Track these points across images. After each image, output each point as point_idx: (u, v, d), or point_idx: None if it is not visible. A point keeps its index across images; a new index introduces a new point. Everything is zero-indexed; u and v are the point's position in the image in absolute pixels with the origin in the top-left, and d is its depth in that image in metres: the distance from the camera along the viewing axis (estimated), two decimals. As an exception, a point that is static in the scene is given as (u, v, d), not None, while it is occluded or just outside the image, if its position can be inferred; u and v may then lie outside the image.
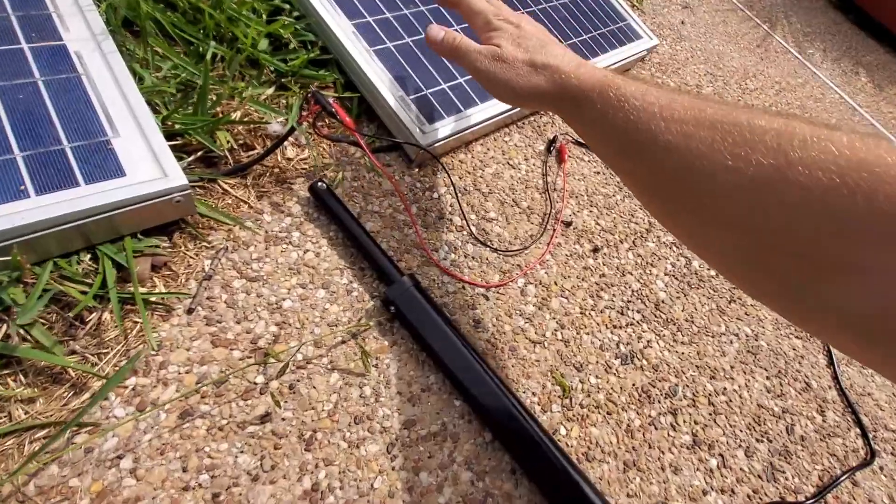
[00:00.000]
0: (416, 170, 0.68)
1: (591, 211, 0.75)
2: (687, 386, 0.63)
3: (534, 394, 0.55)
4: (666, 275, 0.73)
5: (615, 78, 0.39)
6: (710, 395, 0.63)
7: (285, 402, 0.46)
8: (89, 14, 0.53)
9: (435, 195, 0.66)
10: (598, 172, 0.82)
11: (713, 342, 0.68)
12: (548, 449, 0.48)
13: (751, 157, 0.27)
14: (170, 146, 0.52)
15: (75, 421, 0.38)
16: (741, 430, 0.62)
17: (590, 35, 0.95)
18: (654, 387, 0.61)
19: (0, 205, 0.39)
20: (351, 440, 0.46)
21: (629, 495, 0.52)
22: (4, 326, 0.39)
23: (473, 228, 0.65)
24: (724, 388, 0.64)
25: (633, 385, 0.60)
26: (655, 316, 0.68)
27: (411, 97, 0.67)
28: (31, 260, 0.42)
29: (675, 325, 0.68)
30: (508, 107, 0.74)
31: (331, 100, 0.54)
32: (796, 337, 0.75)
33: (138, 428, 0.41)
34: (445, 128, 0.66)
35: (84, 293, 0.42)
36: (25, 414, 0.39)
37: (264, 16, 0.65)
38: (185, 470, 0.40)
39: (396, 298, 0.52)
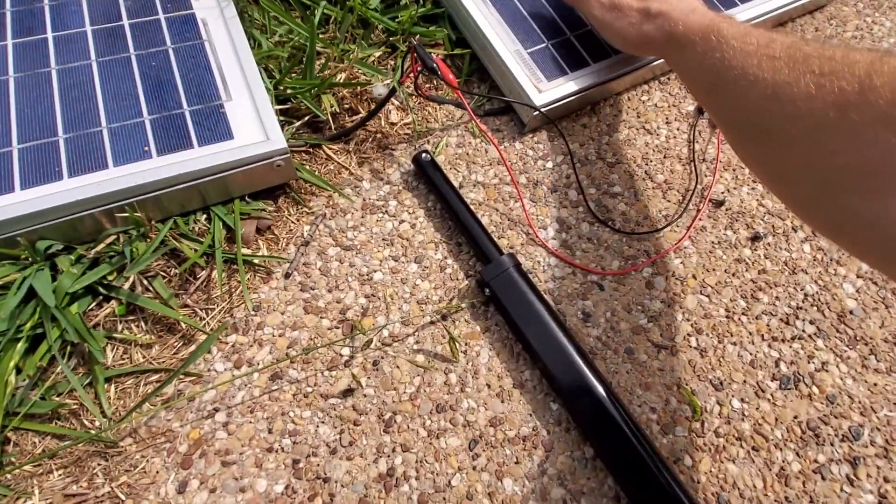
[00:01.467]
0: (530, 135, 0.60)
1: (752, 188, 0.59)
2: (878, 429, 0.46)
3: (652, 409, 0.45)
4: (859, 277, 0.55)
5: (722, 21, 0.40)
6: (916, 446, 0.46)
7: (368, 378, 0.44)
8: (217, -19, 0.55)
9: (549, 164, 0.58)
10: (767, 139, 0.64)
11: (929, 375, 0.50)
12: (664, 480, 0.39)
13: (835, 85, 0.28)
14: (281, 110, 0.53)
15: (181, 370, 0.41)
16: (966, 505, 0.44)
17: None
18: (826, 423, 0.46)
19: (127, 164, 0.42)
20: (431, 429, 0.42)
21: (776, 559, 0.40)
22: (131, 277, 0.43)
23: (592, 204, 0.55)
24: (942, 441, 0.46)
25: (796, 417, 0.46)
26: (838, 330, 0.51)
27: (529, 50, 0.58)
28: (156, 217, 0.46)
29: (866, 345, 0.51)
30: (649, 59, 0.61)
31: (435, 56, 0.49)
32: None
33: (234, 384, 0.42)
34: (567, 86, 0.57)
35: (194, 251, 0.45)
36: (143, 358, 0.42)
37: (378, -28, 0.62)
38: (270, 431, 0.41)
39: (492, 280, 0.46)
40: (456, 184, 0.55)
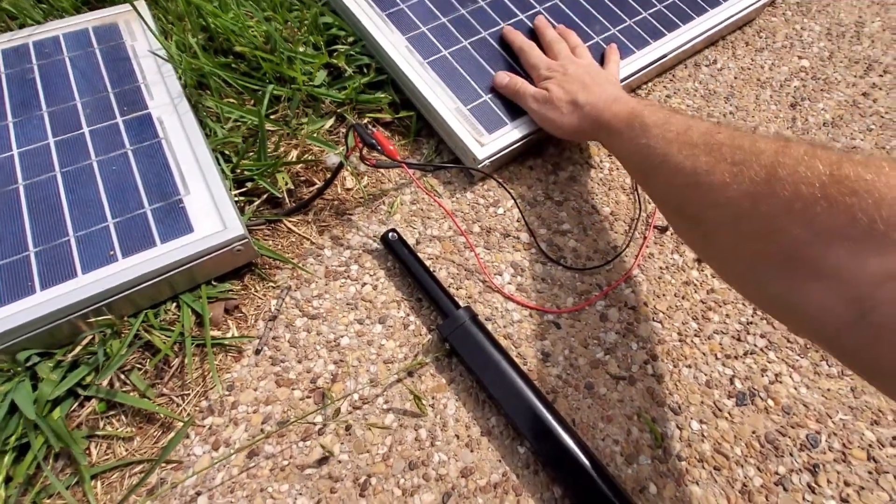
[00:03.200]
0: (480, 183, 0.63)
1: (695, 209, 0.62)
2: (834, 434, 0.48)
3: (616, 441, 0.47)
4: (804, 284, 0.57)
5: (643, 109, 0.45)
6: (870, 446, 0.48)
7: (341, 443, 0.46)
8: (169, 80, 0.59)
9: (500, 210, 0.61)
10: (707, 159, 0.67)
11: (879, 374, 0.52)
12: (628, 514, 0.41)
13: (745, 175, 0.30)
14: (241, 192, 0.56)
15: (159, 461, 0.43)
16: (924, 500, 0.46)
17: (693, -11, 0.78)
18: (784, 435, 0.48)
19: (95, 270, 0.45)
20: (405, 487, 0.44)
21: (744, 577, 0.42)
22: (109, 375, 0.45)
23: (543, 245, 0.58)
24: (895, 438, 0.48)
25: (754, 432, 0.48)
26: (788, 341, 0.54)
27: (470, 106, 0.62)
28: (128, 312, 0.48)
29: (817, 352, 0.53)
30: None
31: (374, 131, 0.52)
32: None
33: (212, 465, 0.45)
34: (508, 135, 0.60)
35: (166, 341, 0.47)
36: (126, 451, 0.44)
37: (324, 48, 0.66)
38: (250, 509, 0.43)
39: (450, 335, 0.48)
40: (413, 241, 0.58)
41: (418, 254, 0.54)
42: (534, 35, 0.68)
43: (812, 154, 0.27)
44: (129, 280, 0.45)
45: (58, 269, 0.45)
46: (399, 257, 0.53)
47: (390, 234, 0.54)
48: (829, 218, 0.25)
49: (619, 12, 0.73)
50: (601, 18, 0.72)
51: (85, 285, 0.44)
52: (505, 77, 0.62)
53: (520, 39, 0.65)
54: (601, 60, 0.66)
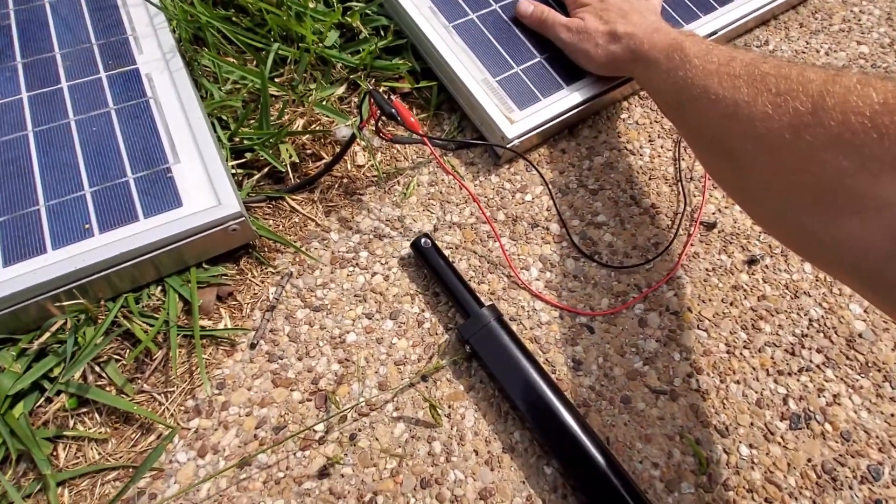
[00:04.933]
0: (506, 166, 0.56)
1: (744, 205, 0.56)
2: (900, 466, 0.43)
3: (654, 464, 0.42)
4: (865, 295, 0.51)
5: (685, 40, 0.42)
6: (942, 483, 0.42)
7: (345, 454, 0.41)
8: (161, 32, 0.52)
9: (528, 197, 0.54)
10: (757, 150, 0.60)
11: (949, 399, 0.46)
12: (672, 553, 0.35)
13: (790, 105, 0.29)
14: (239, 163, 0.50)
15: (137, 478, 0.38)
16: None
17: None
18: (842, 465, 0.43)
19: (67, 245, 0.39)
20: (416, 508, 0.39)
21: None
22: (81, 367, 0.39)
23: (576, 238, 0.52)
24: (970, 475, 0.43)
25: (809, 461, 0.43)
26: (847, 357, 0.48)
27: (499, 78, 0.55)
28: (106, 296, 0.42)
29: (879, 370, 0.47)
30: (626, 77, 0.58)
31: (394, 99, 0.46)
32: None
33: (198, 475, 0.39)
34: (541, 113, 0.54)
35: (149, 330, 0.41)
36: (99, 455, 0.39)
37: (337, 4, 0.59)
38: (239, 528, 0.38)
39: (471, 336, 0.42)
40: (430, 227, 0.52)
41: (439, 245, 0.48)
42: None
43: (865, 83, 0.26)
44: (107, 259, 0.39)
45: (24, 243, 0.39)
46: (431, 266, 0.46)
47: (423, 241, 0.47)
48: (879, 148, 0.24)
49: (667, -18, 0.66)
50: (646, -13, 0.65)
51: (55, 262, 0.38)
52: (528, 5, 0.57)
53: None
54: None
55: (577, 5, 0.55)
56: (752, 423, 0.44)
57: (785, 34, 0.73)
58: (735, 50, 0.38)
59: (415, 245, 0.47)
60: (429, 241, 0.47)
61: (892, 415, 0.45)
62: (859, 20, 0.76)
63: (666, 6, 0.64)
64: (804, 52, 0.71)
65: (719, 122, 0.35)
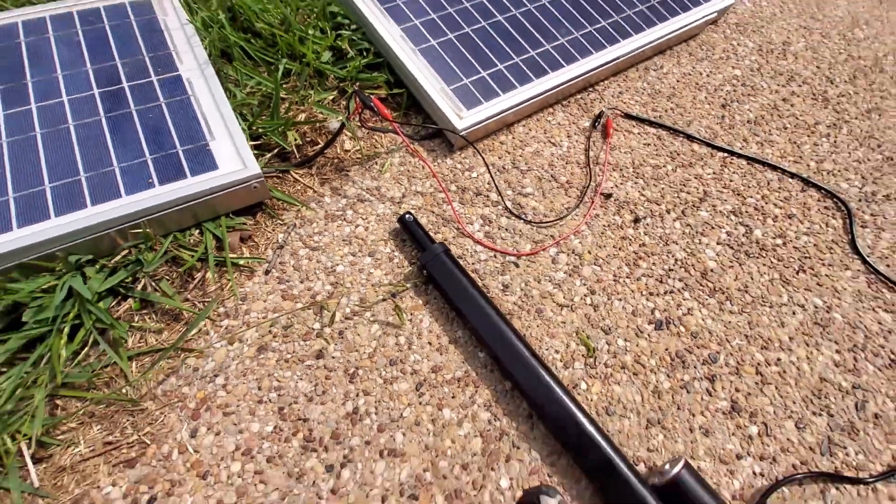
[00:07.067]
0: (458, 153, 0.74)
1: (636, 182, 0.75)
2: (731, 354, 0.61)
3: (556, 352, 0.59)
4: (719, 244, 0.70)
5: None
6: (758, 364, 0.60)
7: (335, 344, 0.56)
8: (197, 49, 0.70)
9: (474, 175, 0.73)
10: (648, 144, 0.80)
11: (770, 312, 0.65)
12: (562, 396, 0.52)
13: None
14: (254, 146, 0.66)
15: (177, 345, 0.53)
16: (794, 402, 0.58)
17: (646, 5, 0.92)
18: (690, 353, 0.60)
19: (136, 193, 0.55)
20: (386, 377, 0.55)
21: (650, 450, 0.53)
22: (143, 281, 0.55)
23: (509, 203, 0.70)
24: (779, 359, 0.61)
25: (666, 349, 0.60)
26: (700, 285, 0.66)
27: (452, 87, 0.74)
28: (160, 234, 0.58)
29: (723, 294, 0.66)
30: (549, 87, 0.77)
31: (373, 97, 0.64)
32: (886, 310, 0.67)
33: (228, 356, 0.54)
34: (482, 112, 0.72)
35: (191, 257, 0.57)
36: (156, 341, 0.54)
37: (329, 31, 0.77)
38: (259, 388, 0.53)
39: (427, 262, 0.59)
40: (399, 195, 0.69)
41: (404, 205, 0.65)
42: (510, 28, 0.80)
43: None
44: (164, 203, 0.55)
45: (106, 190, 0.55)
46: (414, 237, 0.62)
47: (407, 216, 0.63)
48: None
49: (583, 21, 0.87)
50: (566, 24, 0.86)
51: (127, 203, 0.54)
52: None
53: None
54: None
55: None
56: (627, 326, 0.61)
57: (677, 60, 0.95)
58: None
59: (401, 220, 0.63)
60: (411, 216, 0.63)
61: (730, 322, 0.63)
62: (736, 51, 0.99)
63: (580, 38, 0.84)
64: (690, 74, 0.93)
65: None
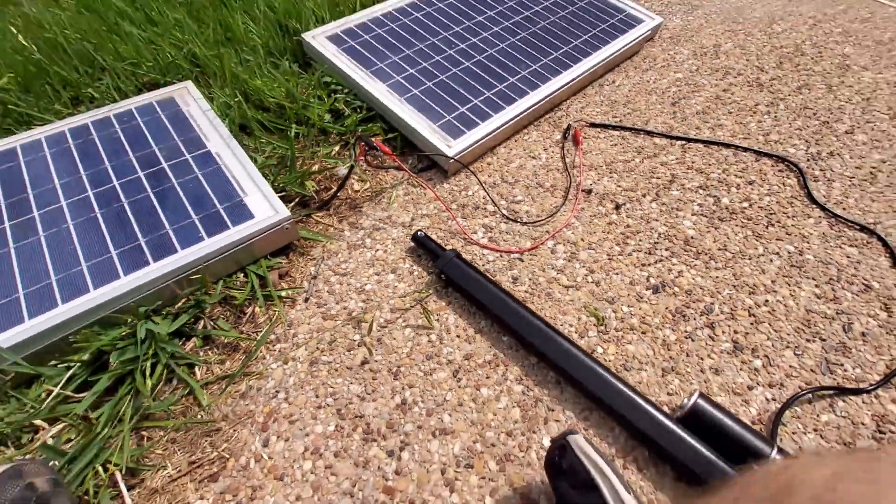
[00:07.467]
0: (452, 178, 0.85)
1: (611, 177, 0.86)
2: (724, 303, 0.68)
3: (570, 325, 0.66)
4: (693, 215, 0.80)
5: None
6: (749, 308, 0.68)
7: (376, 350, 0.64)
8: (219, 128, 0.82)
9: (469, 193, 0.83)
10: (616, 144, 0.92)
11: (750, 263, 0.73)
12: (584, 359, 0.59)
13: None
14: (280, 197, 0.76)
15: (241, 370, 0.60)
16: (788, 334, 0.65)
17: (585, 37, 1.08)
18: (688, 308, 0.68)
19: (189, 247, 0.64)
20: (425, 370, 0.62)
21: (669, 394, 0.59)
22: (202, 322, 0.63)
23: (504, 211, 0.80)
24: (766, 300, 0.68)
25: (666, 308, 0.68)
26: (685, 250, 0.75)
27: (438, 124, 0.86)
28: (212, 280, 0.67)
29: (706, 255, 0.74)
30: (520, 110, 0.89)
31: (374, 139, 0.75)
32: (850, 245, 0.75)
33: (285, 373, 0.61)
34: (467, 139, 0.84)
35: (239, 295, 0.66)
36: (220, 370, 0.61)
37: (325, 97, 0.91)
38: (317, 396, 0.59)
39: (444, 266, 0.68)
40: (408, 219, 0.79)
41: (414, 227, 0.75)
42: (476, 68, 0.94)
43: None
44: (214, 251, 0.64)
45: (163, 249, 0.64)
46: (428, 249, 0.72)
47: (419, 233, 0.73)
48: None
49: (538, 55, 1.01)
50: (526, 60, 1.00)
51: (183, 255, 0.63)
52: None
53: None
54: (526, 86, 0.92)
55: None
56: (628, 294, 0.69)
57: (625, 74, 1.09)
58: None
59: (414, 238, 0.73)
60: (422, 232, 0.73)
61: (717, 277, 0.71)
62: (675, 59, 1.14)
63: (538, 70, 0.98)
64: (639, 83, 1.06)
65: None
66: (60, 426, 0.56)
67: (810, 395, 0.59)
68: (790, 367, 0.62)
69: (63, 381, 0.57)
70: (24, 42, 0.95)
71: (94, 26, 0.97)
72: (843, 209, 0.80)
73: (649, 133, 0.94)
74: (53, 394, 0.56)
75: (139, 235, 0.66)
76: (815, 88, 1.03)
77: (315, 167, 0.82)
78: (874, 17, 1.28)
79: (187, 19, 1.00)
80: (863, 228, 0.77)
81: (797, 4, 1.34)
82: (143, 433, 0.56)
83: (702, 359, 0.63)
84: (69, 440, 0.55)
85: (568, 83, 0.97)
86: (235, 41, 0.98)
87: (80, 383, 0.58)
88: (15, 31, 0.98)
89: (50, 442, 0.53)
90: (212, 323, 0.64)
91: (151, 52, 0.95)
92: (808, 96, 1.01)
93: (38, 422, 0.56)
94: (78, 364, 0.58)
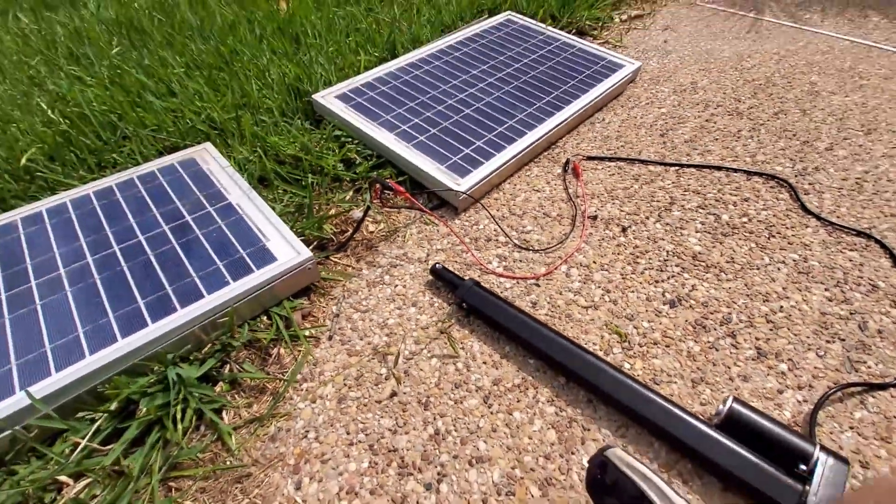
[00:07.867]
0: (463, 214, 0.89)
1: (613, 203, 0.90)
2: (741, 312, 0.70)
3: (594, 344, 0.67)
4: (697, 232, 0.83)
5: None
6: (766, 315, 0.69)
7: (404, 382, 0.63)
8: (239, 182, 0.86)
9: (480, 226, 0.86)
10: (613, 174, 0.97)
11: (759, 273, 0.75)
12: (614, 373, 0.59)
13: None
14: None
15: (270, 412, 0.59)
16: (807, 337, 0.66)
17: (572, 83, 1.16)
18: (706, 319, 0.69)
19: (217, 291, 0.66)
20: (455, 398, 0.61)
21: (702, 404, 0.59)
22: (228, 365, 0.63)
23: (516, 240, 0.83)
24: (781, 307, 0.70)
25: (686, 321, 0.69)
26: (695, 265, 0.77)
27: (445, 165, 0.91)
28: (238, 322, 0.68)
29: (716, 268, 0.76)
30: (520, 148, 0.95)
31: (388, 179, 0.79)
32: (851, 250, 0.78)
33: (314, 412, 0.61)
34: (474, 177, 0.88)
35: (265, 337, 0.66)
36: (247, 413, 0.60)
37: (337, 149, 0.96)
38: (348, 433, 0.59)
39: (464, 295, 0.69)
40: (424, 255, 0.81)
41: (429, 262, 0.77)
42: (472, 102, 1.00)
43: None
44: (240, 293, 0.66)
45: (189, 296, 0.65)
46: (446, 280, 0.74)
47: (437, 265, 0.75)
48: None
49: (531, 100, 1.09)
50: (521, 105, 1.07)
51: (211, 300, 0.65)
52: None
53: None
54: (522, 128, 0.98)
55: None
56: (647, 310, 0.71)
57: (614, 112, 1.16)
58: None
59: (433, 270, 0.75)
60: (440, 264, 0.75)
61: (729, 288, 0.73)
62: (657, 97, 1.22)
63: (534, 112, 1.05)
64: (628, 119, 1.13)
65: None
66: (86, 481, 0.54)
67: (840, 394, 0.59)
68: (815, 368, 0.62)
69: (90, 433, 0.56)
70: (51, 115, 1.01)
71: (119, 98, 1.04)
72: (838, 217, 0.83)
73: (644, 161, 0.99)
74: (81, 446, 0.55)
75: (165, 284, 0.67)
76: (790, 113, 1.11)
77: (331, 211, 0.85)
78: (833, 49, 1.39)
79: (206, 88, 1.08)
80: (860, 233, 0.80)
81: (762, 43, 1.46)
82: (171, 483, 0.54)
83: (728, 367, 0.63)
84: (94, 496, 0.53)
85: (562, 121, 1.03)
86: (251, 106, 1.04)
87: (106, 435, 0.57)
88: (45, 106, 1.04)
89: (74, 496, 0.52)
90: (238, 366, 0.64)
91: (171, 118, 1.01)
92: (786, 120, 1.08)
93: (62, 478, 0.54)
94: (104, 415, 0.57)
